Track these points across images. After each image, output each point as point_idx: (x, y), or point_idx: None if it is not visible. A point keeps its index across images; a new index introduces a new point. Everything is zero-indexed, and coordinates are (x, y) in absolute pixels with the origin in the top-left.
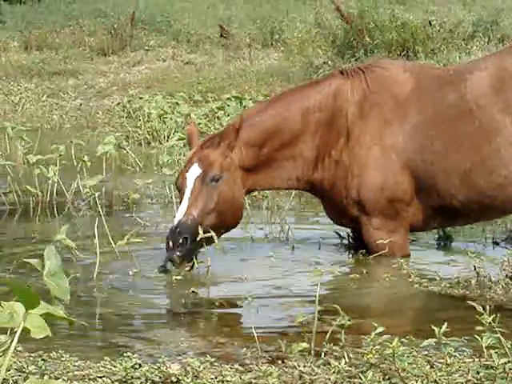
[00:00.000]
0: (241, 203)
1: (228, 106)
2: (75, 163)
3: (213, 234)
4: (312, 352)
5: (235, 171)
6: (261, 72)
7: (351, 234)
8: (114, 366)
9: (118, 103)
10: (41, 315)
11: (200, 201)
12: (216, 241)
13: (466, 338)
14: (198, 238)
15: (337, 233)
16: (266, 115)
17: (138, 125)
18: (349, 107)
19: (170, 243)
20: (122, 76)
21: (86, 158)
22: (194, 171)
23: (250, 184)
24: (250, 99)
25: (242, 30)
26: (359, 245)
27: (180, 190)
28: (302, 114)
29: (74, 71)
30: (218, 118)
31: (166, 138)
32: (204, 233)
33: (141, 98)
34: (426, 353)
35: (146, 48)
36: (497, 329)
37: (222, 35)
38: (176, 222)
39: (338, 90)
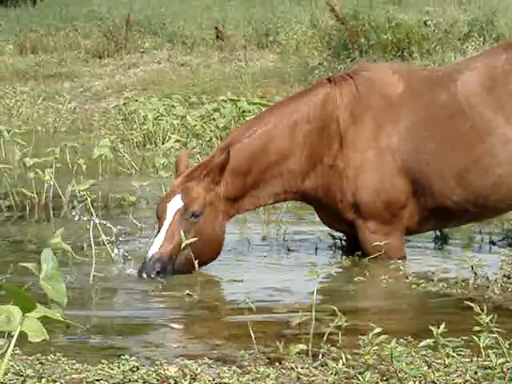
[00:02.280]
0: (220, 238)
1: (223, 107)
2: (71, 166)
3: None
4: (310, 353)
5: (219, 205)
6: (256, 73)
7: (344, 237)
8: (112, 369)
9: (114, 106)
10: (38, 318)
11: (176, 236)
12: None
13: (463, 338)
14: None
15: (331, 235)
16: (252, 139)
17: (134, 127)
18: (339, 113)
19: (144, 274)
20: (118, 78)
21: (81, 161)
22: (176, 203)
23: (235, 210)
24: (246, 101)
25: (237, 32)
26: (353, 247)
27: (159, 218)
28: (290, 130)
29: (70, 74)
30: (213, 119)
31: (162, 140)
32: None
33: (136, 101)
34: (423, 353)
35: (142, 50)
36: (494, 329)
37: (217, 37)
38: (150, 254)
39: (325, 98)
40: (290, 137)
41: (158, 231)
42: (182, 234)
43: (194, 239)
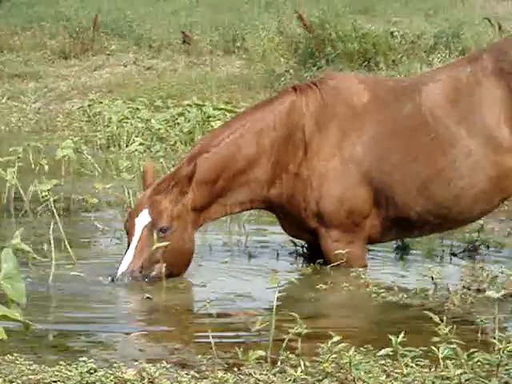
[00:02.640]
0: (190, 250)
1: (189, 112)
2: (33, 166)
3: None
4: (268, 360)
5: (187, 216)
6: (222, 79)
7: (306, 245)
8: (69, 371)
9: (79, 107)
10: None
11: (145, 252)
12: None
13: (422, 348)
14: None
15: (293, 242)
16: (218, 148)
17: (98, 129)
18: (305, 121)
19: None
20: (83, 80)
21: (44, 162)
22: (143, 218)
23: (203, 220)
24: (211, 106)
25: (204, 37)
26: (315, 256)
27: (128, 233)
28: (256, 138)
29: (35, 74)
30: (178, 124)
31: (126, 143)
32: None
33: (101, 103)
34: (382, 362)
35: (108, 52)
36: (453, 340)
37: (183, 41)
38: (119, 272)
39: (291, 106)
40: (257, 145)
41: (128, 248)
42: (156, 244)
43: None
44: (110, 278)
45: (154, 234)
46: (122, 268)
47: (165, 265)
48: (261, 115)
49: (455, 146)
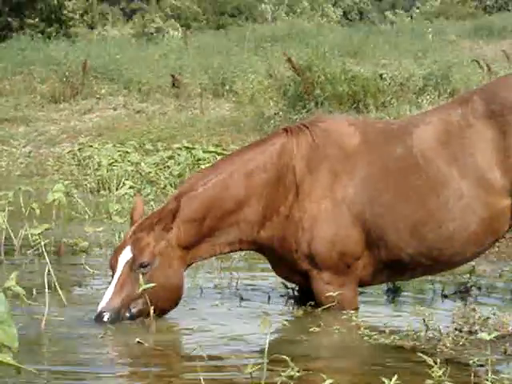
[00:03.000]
0: (176, 286)
1: (178, 155)
2: (24, 210)
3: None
4: None
5: (172, 253)
6: (212, 122)
7: (297, 287)
8: None
9: (69, 151)
10: None
11: (125, 288)
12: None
13: None
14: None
15: (284, 284)
16: (206, 187)
17: (88, 173)
18: (296, 163)
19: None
20: (73, 124)
21: (35, 205)
22: (126, 255)
23: (191, 258)
24: (201, 149)
25: (194, 80)
26: (306, 298)
27: (112, 271)
28: (246, 179)
29: (25, 118)
30: (168, 167)
31: (116, 186)
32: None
33: (91, 146)
34: None
35: (98, 96)
36: (447, 382)
37: (173, 85)
38: (99, 308)
39: (282, 147)
40: (246, 186)
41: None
42: (142, 281)
43: (151, 285)
44: (93, 317)
45: (140, 273)
46: (102, 304)
47: (148, 302)
48: (251, 156)
49: (447, 188)
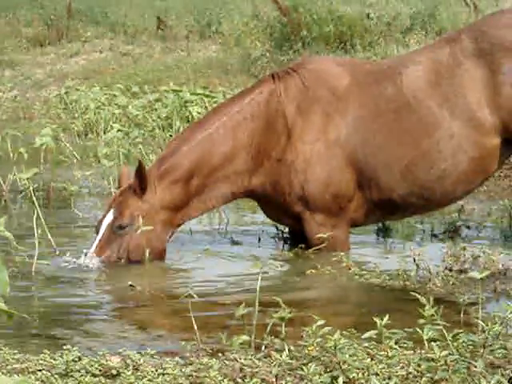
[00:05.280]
0: (157, 249)
1: (166, 97)
2: (11, 155)
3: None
4: (252, 345)
5: (155, 216)
6: (198, 64)
7: (287, 230)
8: (54, 359)
9: (55, 95)
10: None
11: (105, 249)
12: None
13: (406, 330)
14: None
15: (275, 226)
16: (192, 145)
17: (75, 116)
18: (285, 107)
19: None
20: (59, 67)
21: (22, 150)
22: (109, 217)
23: (180, 219)
24: (188, 91)
25: (180, 22)
26: (296, 240)
27: (96, 234)
28: (233, 131)
29: (11, 62)
30: (155, 109)
31: (104, 129)
32: None
33: (78, 90)
34: (366, 345)
35: (83, 39)
36: (438, 321)
37: (159, 27)
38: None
39: (269, 94)
40: (234, 138)
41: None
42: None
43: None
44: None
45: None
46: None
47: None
48: (238, 107)
49: (438, 128)
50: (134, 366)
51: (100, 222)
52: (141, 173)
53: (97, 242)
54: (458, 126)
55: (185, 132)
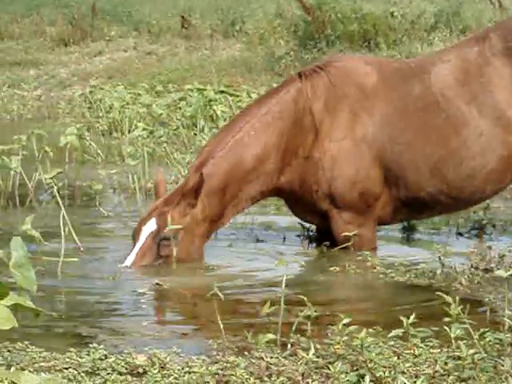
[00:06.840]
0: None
1: (190, 96)
2: (37, 154)
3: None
4: (278, 343)
5: (196, 229)
6: (222, 62)
7: (313, 228)
8: (81, 357)
9: (80, 94)
10: (8, 306)
11: (145, 258)
12: None
13: (433, 328)
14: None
15: (301, 224)
16: (225, 151)
17: (100, 115)
18: (313, 105)
19: None
20: (83, 66)
21: (48, 149)
22: (150, 226)
23: (216, 227)
24: (213, 89)
25: (204, 21)
26: (322, 237)
27: (133, 240)
28: (264, 132)
29: (35, 61)
30: (179, 108)
31: (128, 128)
32: None
33: (102, 89)
34: (393, 343)
35: (107, 38)
36: (465, 320)
37: (183, 26)
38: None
39: (297, 93)
40: (265, 140)
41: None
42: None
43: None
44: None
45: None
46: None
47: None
48: (267, 108)
49: (467, 126)
50: (160, 365)
51: (139, 229)
52: (199, 186)
53: (136, 249)
54: (487, 124)
55: (216, 137)
